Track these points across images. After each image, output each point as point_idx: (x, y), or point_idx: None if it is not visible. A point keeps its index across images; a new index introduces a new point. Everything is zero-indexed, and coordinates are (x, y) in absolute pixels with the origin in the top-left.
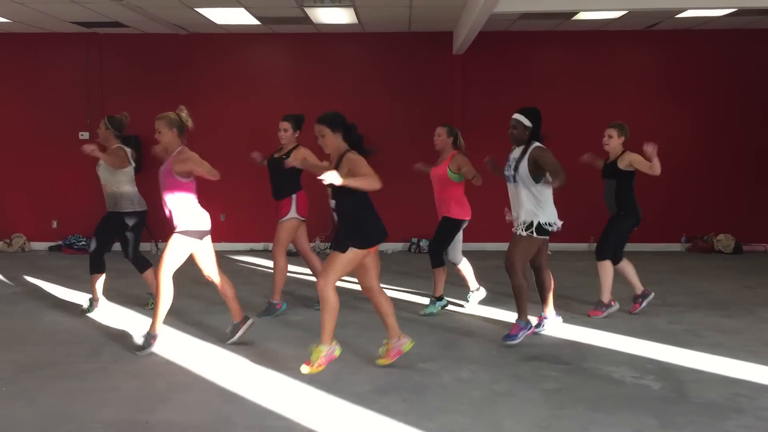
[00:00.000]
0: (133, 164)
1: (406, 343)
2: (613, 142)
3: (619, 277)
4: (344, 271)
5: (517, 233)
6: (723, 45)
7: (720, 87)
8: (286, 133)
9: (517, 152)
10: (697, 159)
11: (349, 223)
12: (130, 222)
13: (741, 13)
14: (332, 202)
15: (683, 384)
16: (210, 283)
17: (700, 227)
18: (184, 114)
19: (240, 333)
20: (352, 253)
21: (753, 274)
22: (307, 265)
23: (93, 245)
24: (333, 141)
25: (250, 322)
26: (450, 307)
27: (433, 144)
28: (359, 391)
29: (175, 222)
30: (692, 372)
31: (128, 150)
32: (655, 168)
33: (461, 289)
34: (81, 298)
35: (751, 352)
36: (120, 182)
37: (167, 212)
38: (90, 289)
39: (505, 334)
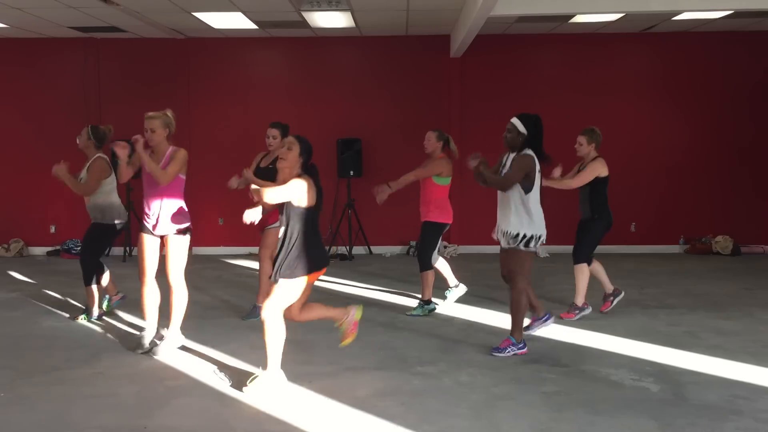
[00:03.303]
0: (113, 173)
1: (356, 312)
2: (584, 149)
3: (594, 282)
4: (290, 299)
5: (504, 245)
6: (719, 47)
7: (717, 89)
8: (275, 140)
9: (509, 160)
10: (695, 161)
11: (298, 247)
12: (115, 233)
13: (738, 15)
14: (282, 229)
15: (682, 386)
16: (208, 287)
17: (698, 229)
18: (171, 115)
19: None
20: (299, 281)
21: (751, 275)
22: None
23: (87, 258)
24: (295, 160)
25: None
26: (448, 311)
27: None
28: (358, 394)
29: (171, 223)
30: (691, 374)
31: (107, 159)
32: (567, 185)
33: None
34: (80, 302)
35: (749, 353)
36: (107, 192)
37: (157, 214)
38: (87, 299)
39: (494, 346)
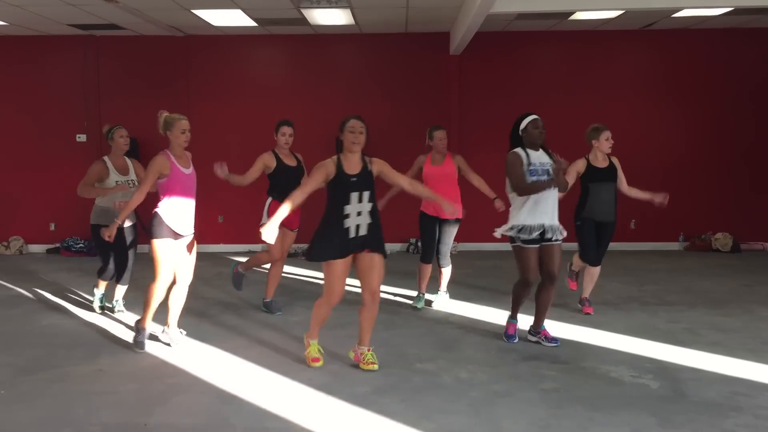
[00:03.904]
0: None
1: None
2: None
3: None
4: None
5: (554, 239)
6: (719, 44)
7: (717, 86)
8: (291, 138)
9: (541, 156)
10: (695, 158)
11: (379, 228)
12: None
13: (737, 12)
14: (364, 206)
15: (682, 383)
16: (207, 285)
17: (698, 226)
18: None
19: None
20: None
21: (751, 272)
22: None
23: (115, 261)
24: (365, 142)
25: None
26: (446, 308)
27: (427, 145)
28: (358, 392)
29: (193, 223)
30: (691, 371)
31: None
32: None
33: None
34: (79, 300)
35: (749, 350)
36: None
37: (189, 217)
38: (114, 293)
39: (553, 337)
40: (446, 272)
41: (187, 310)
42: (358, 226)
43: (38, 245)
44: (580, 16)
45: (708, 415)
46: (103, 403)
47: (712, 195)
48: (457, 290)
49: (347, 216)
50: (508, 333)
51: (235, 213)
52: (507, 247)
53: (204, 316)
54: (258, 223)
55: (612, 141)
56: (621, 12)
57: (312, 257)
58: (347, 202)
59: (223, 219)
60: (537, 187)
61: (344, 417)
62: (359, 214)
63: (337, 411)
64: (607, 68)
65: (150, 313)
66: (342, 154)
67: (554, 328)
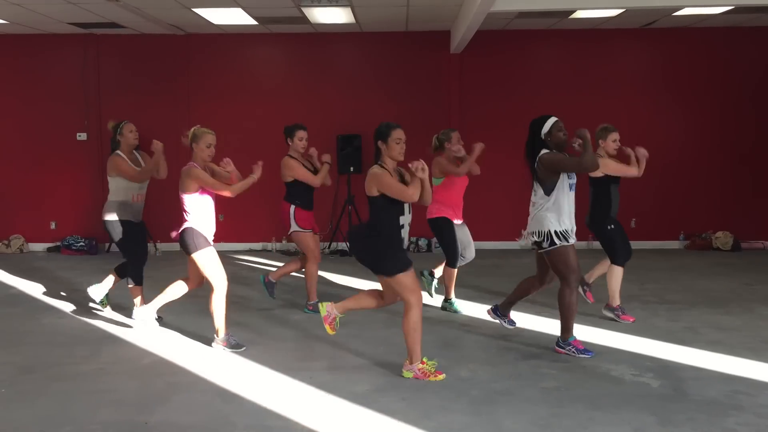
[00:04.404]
0: None
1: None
2: None
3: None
4: None
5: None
6: (719, 43)
7: (717, 85)
8: (307, 142)
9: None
10: (695, 156)
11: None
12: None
13: (737, 11)
14: (408, 217)
15: (682, 381)
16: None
17: (698, 225)
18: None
19: None
20: None
21: (751, 271)
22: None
23: (139, 257)
24: None
25: None
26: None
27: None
28: (358, 390)
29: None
30: (691, 369)
31: None
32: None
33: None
34: (79, 299)
35: (749, 349)
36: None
37: (213, 226)
38: (134, 300)
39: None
40: (453, 273)
41: (188, 309)
42: (408, 239)
43: (39, 244)
44: (580, 14)
45: (708, 414)
46: (104, 401)
47: (712, 194)
48: (457, 289)
49: (402, 227)
50: (580, 349)
51: (236, 212)
52: (506, 246)
53: (204, 314)
54: (265, 222)
55: (618, 144)
56: (621, 11)
57: (391, 271)
58: (402, 212)
59: (223, 218)
60: (588, 148)
61: (345, 415)
62: (405, 225)
63: (337, 409)
64: (607, 67)
65: (221, 321)
66: (383, 162)
67: (555, 327)
